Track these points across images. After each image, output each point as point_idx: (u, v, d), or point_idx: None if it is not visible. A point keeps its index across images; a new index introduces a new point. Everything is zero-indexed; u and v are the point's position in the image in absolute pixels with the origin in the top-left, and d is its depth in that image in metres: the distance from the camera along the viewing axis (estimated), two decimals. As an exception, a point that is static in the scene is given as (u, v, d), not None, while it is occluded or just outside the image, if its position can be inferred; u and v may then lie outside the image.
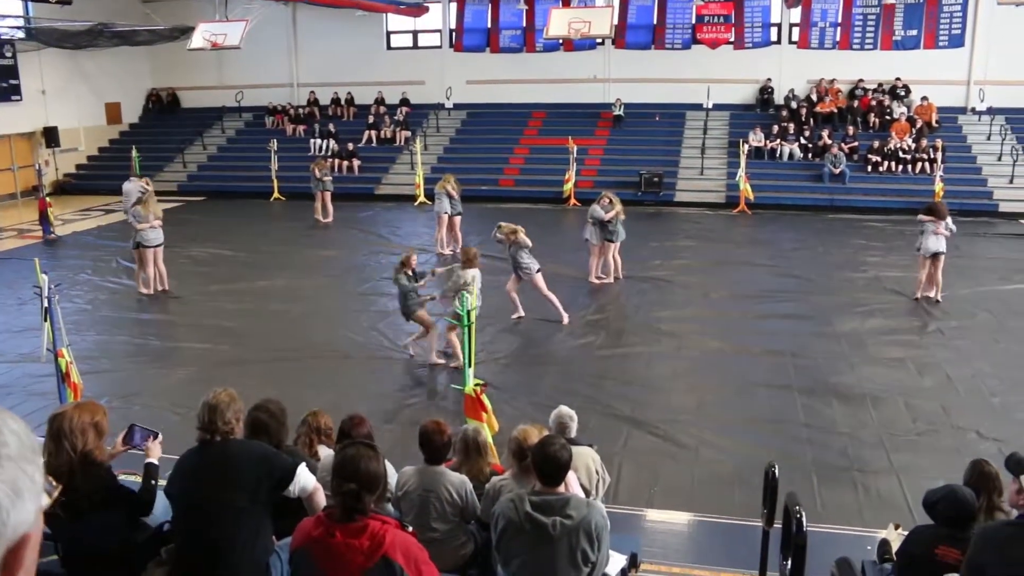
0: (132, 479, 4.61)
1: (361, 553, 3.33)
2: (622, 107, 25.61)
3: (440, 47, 27.91)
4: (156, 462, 4.59)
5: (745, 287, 14.21)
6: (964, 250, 16.71)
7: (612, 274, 14.27)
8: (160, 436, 4.76)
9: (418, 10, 26.46)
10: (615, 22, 22.45)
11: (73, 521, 4.04)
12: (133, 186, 16.47)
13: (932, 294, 12.99)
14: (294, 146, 25.89)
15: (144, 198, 14.22)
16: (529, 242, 12.04)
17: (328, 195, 20.60)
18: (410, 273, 10.47)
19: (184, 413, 8.51)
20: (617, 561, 4.83)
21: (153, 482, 4.47)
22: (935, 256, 12.80)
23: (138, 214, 13.71)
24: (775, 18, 24.75)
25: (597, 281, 14.38)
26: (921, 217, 13.12)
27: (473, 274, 10.15)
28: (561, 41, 22.95)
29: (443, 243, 16.84)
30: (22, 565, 1.18)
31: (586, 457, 5.48)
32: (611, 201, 14.08)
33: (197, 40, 22.47)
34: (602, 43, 24.51)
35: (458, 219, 16.94)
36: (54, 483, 3.96)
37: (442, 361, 10.53)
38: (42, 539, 4.19)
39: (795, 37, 24.51)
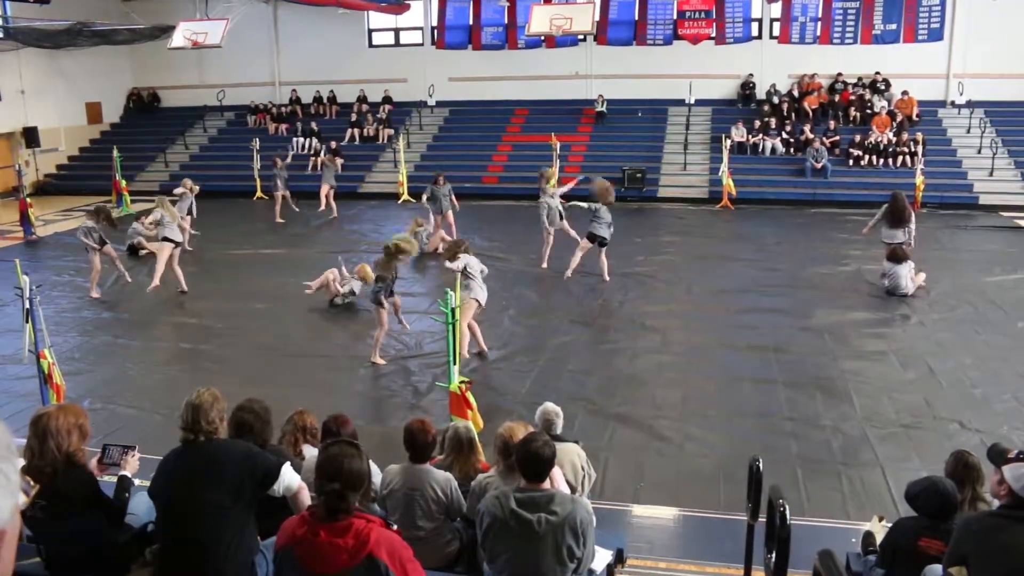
0: (112, 480, 4.59)
1: (345, 552, 3.32)
2: (604, 103, 25.66)
3: (422, 44, 27.90)
4: (130, 475, 4.59)
5: (728, 282, 14.26)
6: (945, 243, 16.85)
7: (571, 271, 14.33)
8: (136, 451, 4.75)
9: (399, 7, 26.41)
10: (597, 18, 22.47)
11: (55, 523, 4.02)
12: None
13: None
14: (276, 145, 25.73)
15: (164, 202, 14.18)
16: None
17: (329, 190, 20.64)
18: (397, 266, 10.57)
19: (167, 413, 8.47)
20: (603, 557, 4.84)
21: (126, 495, 4.47)
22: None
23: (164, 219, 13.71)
24: (756, 13, 24.82)
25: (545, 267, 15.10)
26: (908, 271, 13.09)
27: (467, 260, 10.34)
28: (543, 38, 22.91)
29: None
30: None
31: (571, 453, 5.49)
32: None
33: (178, 39, 22.33)
34: (584, 39, 24.49)
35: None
36: (31, 482, 3.94)
37: (382, 362, 10.54)
38: (25, 541, 4.14)
39: (776, 32, 24.56)
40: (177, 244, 13.89)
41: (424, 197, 17.58)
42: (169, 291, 13.93)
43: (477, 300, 10.29)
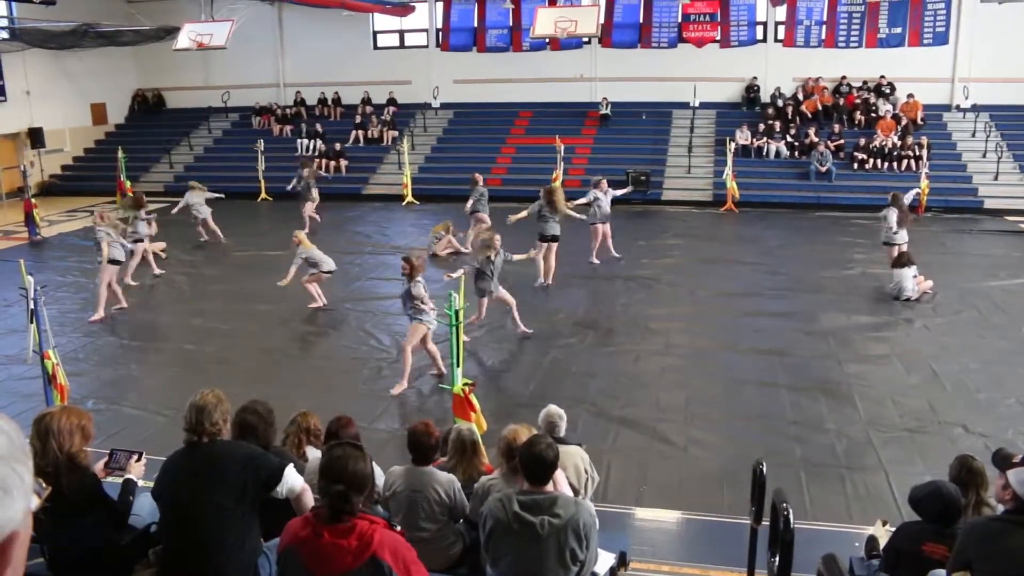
0: (116, 480, 4.60)
1: (349, 553, 3.32)
2: (609, 106, 25.65)
3: (426, 46, 27.90)
4: (135, 479, 4.59)
5: (732, 285, 14.24)
6: (950, 247, 16.82)
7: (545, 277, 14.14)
8: (143, 456, 4.75)
9: (404, 9, 26.41)
10: (601, 21, 22.46)
11: (58, 524, 4.02)
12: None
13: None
14: (281, 146, 25.81)
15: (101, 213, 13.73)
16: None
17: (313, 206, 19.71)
18: (491, 256, 10.98)
19: (170, 415, 8.48)
20: (606, 560, 4.83)
21: (130, 497, 4.48)
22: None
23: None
24: (761, 16, 24.83)
25: (596, 261, 15.51)
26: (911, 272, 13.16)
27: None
28: (547, 40, 22.95)
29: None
30: (9, 563, 1.20)
31: (575, 456, 5.48)
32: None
33: (183, 40, 22.37)
34: (588, 42, 24.54)
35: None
36: (44, 484, 3.94)
37: (531, 330, 11.33)
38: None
39: (781, 35, 24.60)
40: (120, 262, 13.15)
41: (471, 201, 16.95)
42: (172, 293, 13.97)
43: (428, 325, 9.80)
